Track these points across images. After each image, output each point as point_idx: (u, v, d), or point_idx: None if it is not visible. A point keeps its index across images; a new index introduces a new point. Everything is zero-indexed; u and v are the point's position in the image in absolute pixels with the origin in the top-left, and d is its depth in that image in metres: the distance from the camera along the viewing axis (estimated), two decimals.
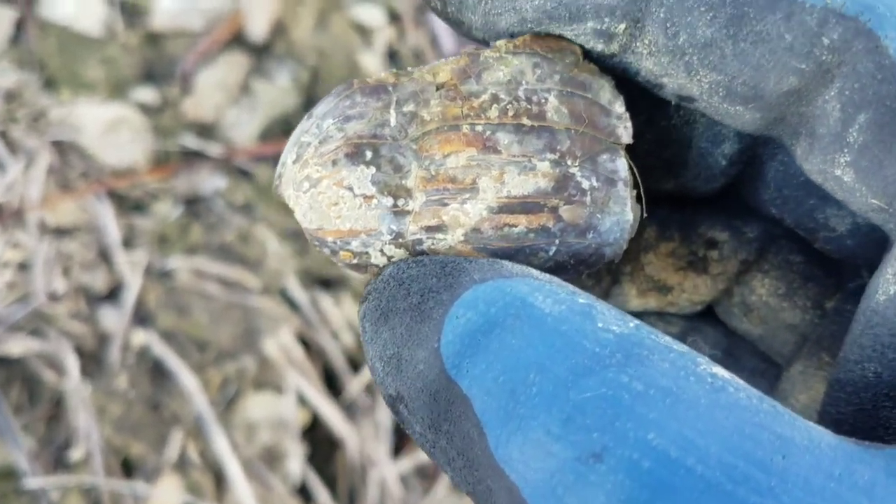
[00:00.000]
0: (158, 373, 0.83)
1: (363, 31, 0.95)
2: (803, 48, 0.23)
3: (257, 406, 0.83)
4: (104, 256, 0.85)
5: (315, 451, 0.84)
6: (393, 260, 0.26)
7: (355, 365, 0.86)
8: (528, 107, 0.26)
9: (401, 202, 0.25)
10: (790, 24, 0.23)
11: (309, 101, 0.93)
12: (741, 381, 0.19)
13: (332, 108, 0.26)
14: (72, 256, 0.85)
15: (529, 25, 0.25)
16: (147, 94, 0.92)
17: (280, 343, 0.83)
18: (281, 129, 0.92)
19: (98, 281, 0.85)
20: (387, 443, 0.84)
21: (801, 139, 0.25)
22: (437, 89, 0.26)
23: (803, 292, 0.30)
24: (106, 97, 0.91)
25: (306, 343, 0.85)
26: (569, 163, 0.26)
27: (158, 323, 0.84)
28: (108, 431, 0.81)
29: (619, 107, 0.27)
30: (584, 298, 0.21)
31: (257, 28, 0.94)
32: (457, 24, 0.26)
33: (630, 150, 0.27)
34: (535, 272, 0.23)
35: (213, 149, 0.89)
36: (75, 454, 0.81)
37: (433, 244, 0.26)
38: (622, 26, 0.25)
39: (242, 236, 0.87)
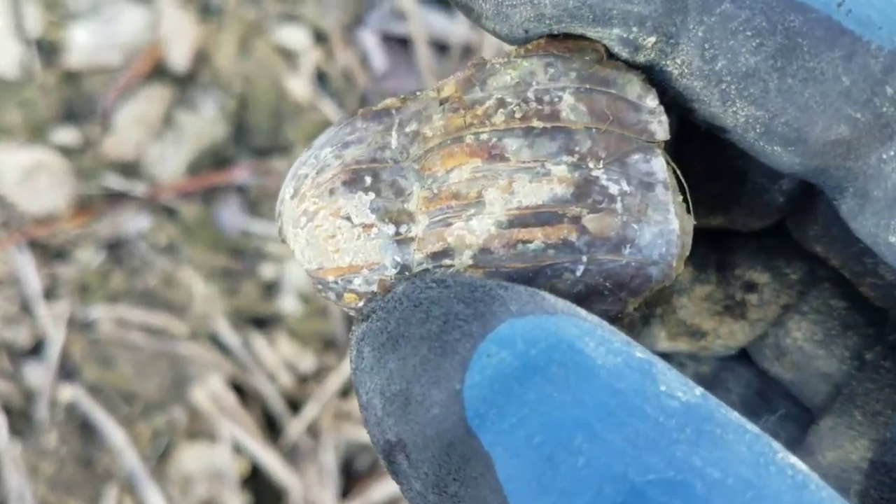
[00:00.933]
0: (88, 428, 0.80)
1: (288, 55, 0.91)
2: (861, 95, 0.20)
3: (191, 458, 0.79)
4: (26, 309, 0.82)
5: (258, 501, 0.80)
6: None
7: (295, 406, 0.82)
8: (539, 107, 0.23)
9: (403, 229, 0.23)
10: (850, 66, 0.20)
11: (238, 129, 0.90)
12: (817, 476, 0.16)
13: (331, 137, 0.24)
14: None
15: (547, 22, 0.22)
16: (67, 135, 0.88)
17: (211, 391, 0.80)
18: (210, 160, 0.89)
19: (21, 336, 0.82)
20: (333, 487, 0.81)
21: (848, 196, 0.22)
22: (441, 104, 0.23)
23: (841, 341, 0.27)
24: (24, 141, 0.87)
25: (240, 388, 0.82)
26: (591, 165, 0.22)
27: (84, 376, 0.81)
28: (42, 491, 0.79)
29: (651, 101, 0.23)
30: (641, 352, 0.17)
31: (178, 58, 0.90)
32: (467, 12, 0.23)
33: (674, 160, 0.24)
34: (583, 312, 0.19)
35: (137, 188, 0.86)
36: None
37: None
38: (651, 39, 0.22)
39: (167, 280, 0.83)
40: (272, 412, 0.82)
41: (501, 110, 0.23)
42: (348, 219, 0.22)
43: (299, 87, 0.90)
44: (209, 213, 0.87)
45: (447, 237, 0.22)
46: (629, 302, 0.23)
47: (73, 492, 0.79)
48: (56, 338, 0.81)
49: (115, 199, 0.86)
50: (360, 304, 0.23)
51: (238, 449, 0.80)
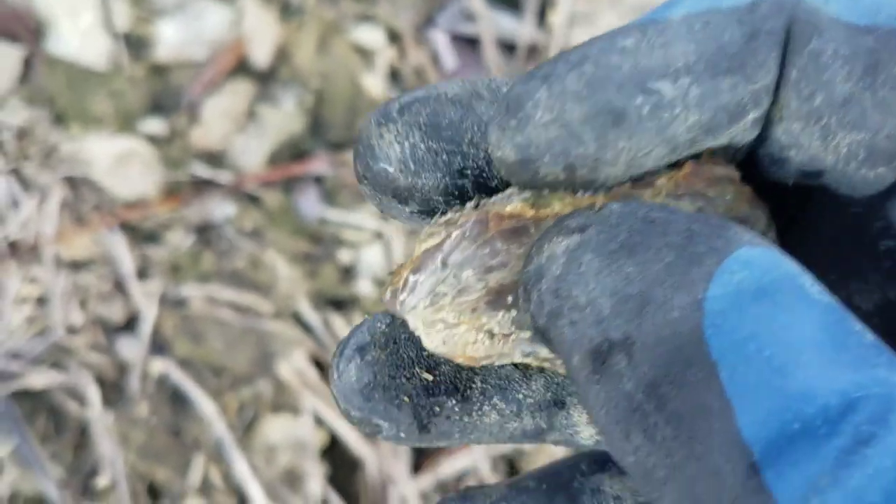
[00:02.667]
0: (178, 399, 0.85)
1: (364, 53, 0.96)
2: None
3: (275, 429, 0.84)
4: (119, 288, 0.87)
5: (335, 471, 0.85)
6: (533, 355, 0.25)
7: None
8: None
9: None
10: None
11: (314, 123, 0.95)
12: None
13: (469, 258, 0.24)
14: (88, 289, 0.87)
15: (680, 150, 0.23)
16: (155, 125, 0.93)
17: (294, 366, 0.85)
18: (289, 152, 0.94)
19: (115, 312, 0.87)
20: (406, 460, 0.85)
21: None
22: None
23: None
24: (115, 130, 0.93)
25: (320, 364, 0.87)
26: None
27: (175, 351, 0.85)
28: (133, 458, 0.83)
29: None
30: (836, 299, 0.19)
31: (260, 55, 0.95)
32: (587, 184, 0.23)
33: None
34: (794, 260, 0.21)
35: (223, 176, 0.91)
36: (102, 481, 0.83)
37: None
38: (768, 100, 0.22)
39: (253, 262, 0.88)
40: None
41: None
42: (489, 332, 0.24)
43: (374, 83, 0.95)
44: (289, 202, 0.92)
45: None
46: None
47: (162, 460, 0.84)
48: (148, 314, 0.86)
49: (202, 186, 0.91)
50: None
51: (319, 421, 0.85)
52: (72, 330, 0.85)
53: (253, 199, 0.92)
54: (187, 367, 0.85)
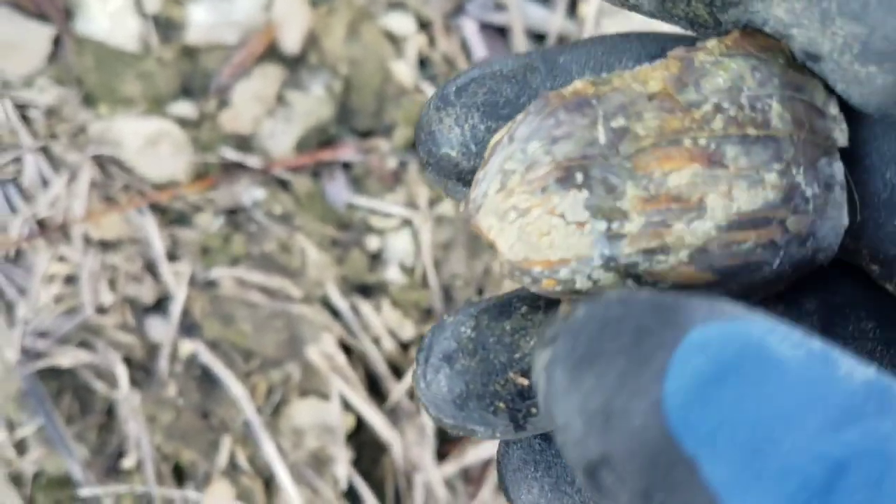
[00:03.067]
0: (206, 381, 0.85)
1: (394, 40, 0.97)
2: None
3: (303, 412, 0.84)
4: (149, 268, 0.87)
5: (361, 456, 0.85)
6: (600, 284, 0.24)
7: (397, 371, 0.88)
8: (753, 115, 0.24)
9: (615, 225, 0.24)
10: None
11: (343, 110, 0.95)
12: None
13: (535, 130, 0.24)
14: (117, 269, 0.87)
15: None
16: (184, 107, 0.93)
17: (323, 350, 0.85)
18: (316, 138, 0.94)
19: (144, 292, 0.87)
20: (431, 447, 0.86)
21: None
22: (650, 99, 0.24)
23: (888, 361, 0.26)
24: (144, 111, 0.92)
25: (348, 349, 0.87)
26: (794, 171, 0.24)
27: (205, 332, 0.85)
28: (159, 439, 0.83)
29: (834, 108, 0.25)
30: (818, 342, 0.18)
31: (291, 40, 0.95)
32: None
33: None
34: (759, 313, 0.20)
35: (252, 160, 0.91)
36: (128, 462, 0.83)
37: (650, 266, 0.24)
38: None
39: (283, 246, 0.88)
40: (376, 374, 0.87)
41: (720, 116, 0.24)
42: (563, 217, 0.23)
43: (403, 71, 0.95)
44: (318, 187, 0.92)
45: (666, 237, 0.23)
46: (793, 279, 0.25)
47: (189, 441, 0.84)
48: (178, 295, 0.86)
49: (231, 169, 0.91)
50: (558, 288, 0.24)
51: (346, 406, 0.85)
52: (101, 309, 0.85)
53: (282, 184, 0.92)
54: (216, 348, 0.85)
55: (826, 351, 0.18)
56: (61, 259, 0.87)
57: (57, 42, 0.95)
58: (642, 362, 0.18)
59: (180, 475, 0.84)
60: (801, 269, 0.25)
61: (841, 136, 0.25)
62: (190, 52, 0.95)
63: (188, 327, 0.86)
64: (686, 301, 0.20)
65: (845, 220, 0.25)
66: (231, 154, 0.91)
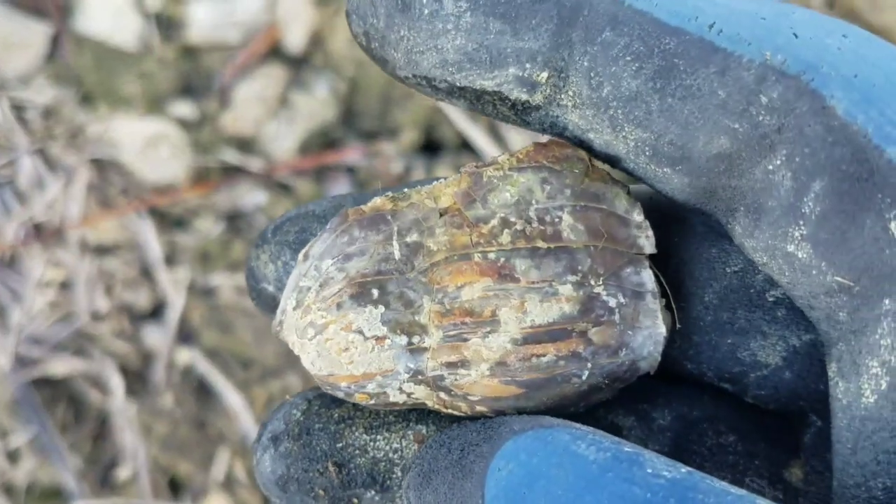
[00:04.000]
0: (203, 391, 0.83)
1: None
2: (738, 106, 0.21)
3: None
4: (146, 274, 0.85)
5: None
6: (413, 396, 0.24)
7: None
8: (542, 228, 0.24)
9: (416, 339, 0.24)
10: (724, 80, 0.21)
11: (347, 112, 0.92)
12: None
13: (328, 247, 0.24)
14: (114, 275, 0.84)
15: (451, 69, 0.23)
16: (185, 108, 0.91)
17: None
18: (319, 141, 0.91)
19: (141, 299, 0.84)
20: None
21: (740, 215, 0.22)
22: (441, 215, 0.24)
23: (753, 473, 0.26)
24: (144, 112, 0.90)
25: None
26: (592, 282, 0.24)
27: (202, 341, 0.83)
28: (155, 450, 0.81)
29: (638, 215, 0.25)
30: (630, 447, 0.19)
31: (294, 40, 0.93)
32: (382, 62, 0.25)
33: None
34: (576, 424, 0.21)
35: (253, 163, 0.89)
36: (122, 473, 0.81)
37: (456, 380, 0.24)
38: (544, 75, 0.23)
39: None
40: None
41: (507, 230, 0.24)
42: (360, 332, 0.23)
43: None
44: (321, 191, 0.90)
45: (463, 351, 0.24)
46: (618, 388, 0.25)
47: (185, 453, 0.82)
48: (176, 302, 0.83)
49: (232, 172, 0.89)
50: (372, 401, 0.25)
51: None
52: (96, 316, 0.83)
53: (284, 188, 0.89)
54: (214, 357, 0.83)
55: (636, 454, 0.19)
56: (57, 264, 0.85)
57: (55, 41, 0.93)
58: (466, 473, 0.20)
59: (175, 487, 0.82)
60: (622, 379, 0.25)
61: (647, 243, 0.25)
62: (191, 52, 0.93)
63: (185, 335, 0.84)
64: (508, 418, 0.22)
65: (662, 329, 0.25)
66: (232, 157, 0.89)
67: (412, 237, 0.24)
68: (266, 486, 0.25)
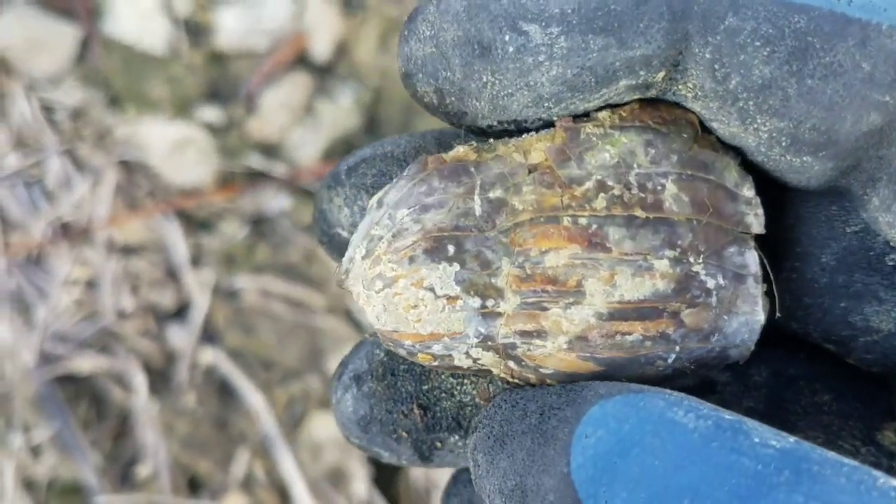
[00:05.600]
0: (225, 391, 0.84)
1: None
2: (886, 77, 0.19)
3: (322, 426, 0.83)
4: (171, 275, 0.86)
5: (379, 473, 0.84)
6: (480, 361, 0.23)
7: None
8: (642, 195, 0.22)
9: (490, 303, 0.22)
10: (866, 52, 0.19)
11: (371, 121, 0.94)
12: None
13: (405, 195, 0.23)
14: (139, 275, 0.86)
15: (546, 105, 0.22)
16: (212, 113, 0.92)
17: None
18: (342, 149, 0.93)
19: (166, 299, 0.85)
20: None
21: (881, 186, 0.21)
22: (530, 172, 0.22)
23: (847, 433, 0.25)
24: (171, 116, 0.92)
25: None
26: (691, 260, 0.22)
27: (226, 342, 0.84)
28: (176, 449, 0.82)
29: (748, 190, 0.23)
30: (730, 415, 0.18)
31: (321, 49, 0.94)
32: (458, 116, 0.22)
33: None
34: (666, 390, 0.20)
35: (278, 169, 0.90)
36: (143, 471, 0.82)
37: (529, 350, 0.22)
38: (661, 75, 0.21)
39: (307, 257, 0.87)
40: None
41: (602, 195, 0.22)
42: (432, 290, 0.22)
43: None
44: None
45: (541, 321, 0.22)
46: (704, 375, 0.23)
47: (206, 452, 0.83)
48: (201, 303, 0.85)
49: (257, 177, 0.90)
50: (435, 363, 0.23)
51: None
52: (122, 315, 0.84)
53: (308, 194, 0.91)
54: (237, 358, 0.84)
55: (738, 422, 0.17)
56: (83, 263, 0.86)
57: (84, 43, 0.94)
58: (548, 439, 0.19)
59: (195, 486, 0.83)
60: (709, 366, 0.23)
61: (755, 221, 0.23)
62: (219, 58, 0.95)
63: (209, 336, 0.85)
64: (591, 382, 0.20)
65: (761, 317, 0.23)
66: (257, 162, 0.90)
67: (496, 193, 0.22)
68: (346, 426, 0.25)
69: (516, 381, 0.23)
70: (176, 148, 0.90)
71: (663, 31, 0.20)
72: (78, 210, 0.87)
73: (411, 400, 0.25)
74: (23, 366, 0.83)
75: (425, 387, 0.25)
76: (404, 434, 0.24)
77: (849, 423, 0.25)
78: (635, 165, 0.22)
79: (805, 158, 0.21)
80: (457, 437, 0.24)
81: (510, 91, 0.21)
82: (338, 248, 0.26)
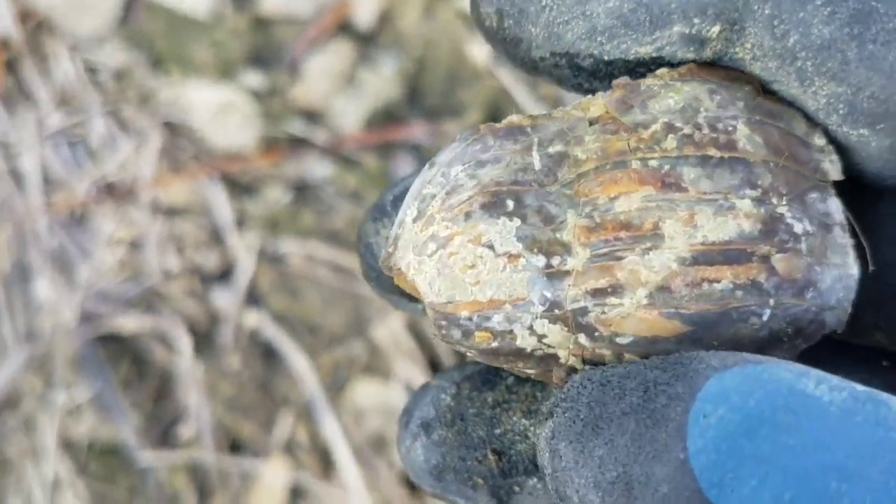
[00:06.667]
0: (269, 355, 0.84)
1: (469, 21, 0.96)
2: None
3: (366, 392, 0.84)
4: (216, 238, 0.86)
5: None
6: (545, 340, 0.20)
7: (463, 357, 0.87)
8: (714, 135, 0.20)
9: (556, 260, 0.20)
10: None
11: (413, 91, 0.94)
12: None
13: (459, 154, 0.21)
14: (184, 237, 0.86)
15: (600, 39, 0.21)
16: (255, 78, 0.92)
17: (390, 330, 0.84)
18: (383, 118, 0.93)
19: (210, 261, 0.86)
20: None
21: None
22: (591, 124, 0.21)
23: None
24: (214, 80, 0.91)
25: (414, 333, 0.86)
26: (774, 201, 0.20)
27: (270, 305, 0.85)
28: (219, 410, 0.82)
29: (819, 139, 0.21)
30: (862, 387, 0.16)
31: (364, 17, 0.94)
32: (514, 44, 0.22)
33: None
34: (785, 359, 0.18)
35: (320, 136, 0.90)
36: (186, 432, 0.82)
37: (603, 312, 0.20)
38: (716, 28, 0.20)
39: (352, 223, 0.88)
40: (440, 360, 0.87)
41: (672, 135, 0.20)
42: (491, 247, 0.20)
43: (477, 52, 0.94)
44: (387, 167, 0.91)
45: (616, 272, 0.19)
46: (800, 348, 0.21)
47: (249, 414, 0.83)
48: (246, 265, 0.85)
49: (299, 144, 0.90)
50: (494, 344, 0.21)
51: (409, 387, 0.84)
52: (166, 276, 0.84)
53: (349, 162, 0.91)
54: (281, 322, 0.84)
55: (872, 393, 0.16)
56: (128, 224, 0.86)
57: (128, 6, 0.94)
58: (657, 420, 0.16)
59: (236, 448, 0.83)
60: (805, 332, 0.20)
61: (832, 168, 0.21)
62: (262, 24, 0.94)
63: (254, 299, 0.85)
64: (698, 352, 0.17)
65: (854, 270, 0.21)
66: (300, 129, 0.90)
67: (555, 147, 0.21)
68: (419, 476, 0.23)
69: (588, 366, 0.21)
70: (219, 112, 0.90)
71: None
72: (122, 170, 0.87)
73: (484, 445, 0.23)
74: (64, 325, 0.83)
75: (497, 430, 0.23)
76: (480, 481, 0.23)
77: None
78: (702, 109, 0.21)
79: (862, 131, 0.20)
80: (535, 480, 0.22)
81: (566, 18, 0.20)
82: (387, 284, 0.24)
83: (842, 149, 0.21)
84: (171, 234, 0.85)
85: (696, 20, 0.20)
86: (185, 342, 0.83)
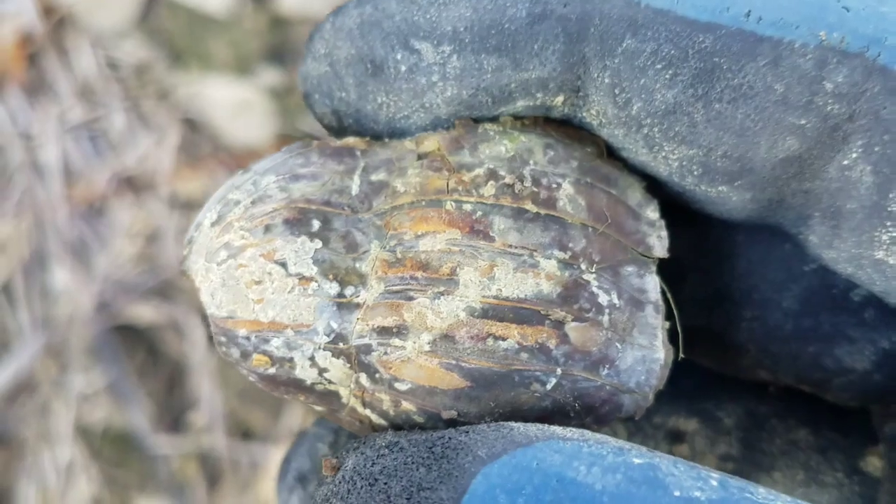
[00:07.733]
0: None
1: None
2: (800, 98, 0.18)
3: None
4: None
5: None
6: (326, 375, 0.19)
7: None
8: (535, 190, 0.20)
9: (349, 290, 0.19)
10: (779, 72, 0.18)
11: None
12: None
13: (277, 164, 0.20)
14: None
15: (446, 124, 0.20)
16: (273, 76, 0.94)
17: None
18: None
19: None
20: None
21: (815, 223, 0.19)
22: (419, 158, 0.20)
23: (827, 467, 0.23)
24: (233, 77, 0.93)
25: None
26: (583, 266, 0.19)
27: None
28: (231, 399, 0.84)
29: (652, 212, 0.21)
30: (638, 457, 0.15)
31: None
32: (362, 133, 0.21)
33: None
34: (558, 429, 0.16)
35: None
36: (198, 420, 0.84)
37: (386, 353, 0.19)
38: (559, 99, 0.20)
39: None
40: None
41: (492, 182, 0.20)
42: (283, 265, 0.19)
43: None
44: None
45: (404, 312, 0.19)
46: (592, 429, 0.20)
47: (260, 403, 0.85)
48: None
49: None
50: (272, 370, 0.19)
51: None
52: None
53: None
54: None
55: (651, 468, 0.15)
56: (146, 216, 0.88)
57: (148, 2, 0.96)
58: None
59: (246, 436, 0.85)
60: (596, 412, 0.19)
61: (658, 244, 0.20)
62: (280, 22, 0.96)
63: None
64: (465, 434, 0.16)
65: (660, 354, 0.19)
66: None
67: (378, 176, 0.20)
68: None
69: (366, 411, 0.20)
70: (237, 108, 0.92)
71: (559, 54, 0.19)
72: (141, 164, 0.89)
73: None
74: (81, 313, 0.85)
75: None
76: None
77: (828, 455, 0.23)
78: (531, 162, 0.20)
79: (721, 188, 0.19)
80: None
81: (406, 113, 0.20)
82: None
83: (704, 200, 0.20)
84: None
85: (538, 94, 0.20)
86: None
